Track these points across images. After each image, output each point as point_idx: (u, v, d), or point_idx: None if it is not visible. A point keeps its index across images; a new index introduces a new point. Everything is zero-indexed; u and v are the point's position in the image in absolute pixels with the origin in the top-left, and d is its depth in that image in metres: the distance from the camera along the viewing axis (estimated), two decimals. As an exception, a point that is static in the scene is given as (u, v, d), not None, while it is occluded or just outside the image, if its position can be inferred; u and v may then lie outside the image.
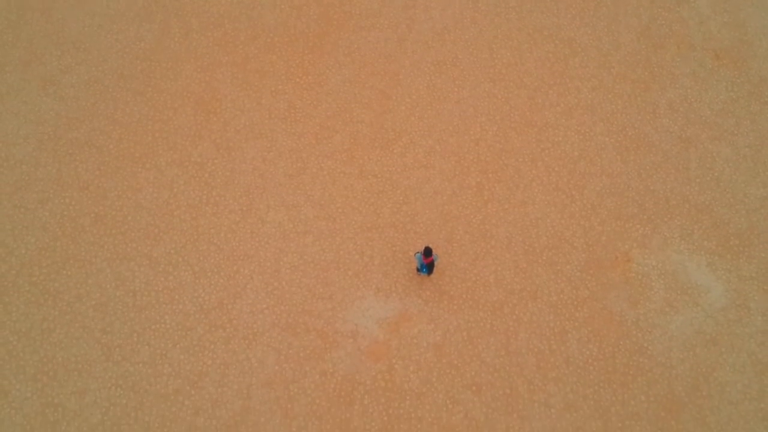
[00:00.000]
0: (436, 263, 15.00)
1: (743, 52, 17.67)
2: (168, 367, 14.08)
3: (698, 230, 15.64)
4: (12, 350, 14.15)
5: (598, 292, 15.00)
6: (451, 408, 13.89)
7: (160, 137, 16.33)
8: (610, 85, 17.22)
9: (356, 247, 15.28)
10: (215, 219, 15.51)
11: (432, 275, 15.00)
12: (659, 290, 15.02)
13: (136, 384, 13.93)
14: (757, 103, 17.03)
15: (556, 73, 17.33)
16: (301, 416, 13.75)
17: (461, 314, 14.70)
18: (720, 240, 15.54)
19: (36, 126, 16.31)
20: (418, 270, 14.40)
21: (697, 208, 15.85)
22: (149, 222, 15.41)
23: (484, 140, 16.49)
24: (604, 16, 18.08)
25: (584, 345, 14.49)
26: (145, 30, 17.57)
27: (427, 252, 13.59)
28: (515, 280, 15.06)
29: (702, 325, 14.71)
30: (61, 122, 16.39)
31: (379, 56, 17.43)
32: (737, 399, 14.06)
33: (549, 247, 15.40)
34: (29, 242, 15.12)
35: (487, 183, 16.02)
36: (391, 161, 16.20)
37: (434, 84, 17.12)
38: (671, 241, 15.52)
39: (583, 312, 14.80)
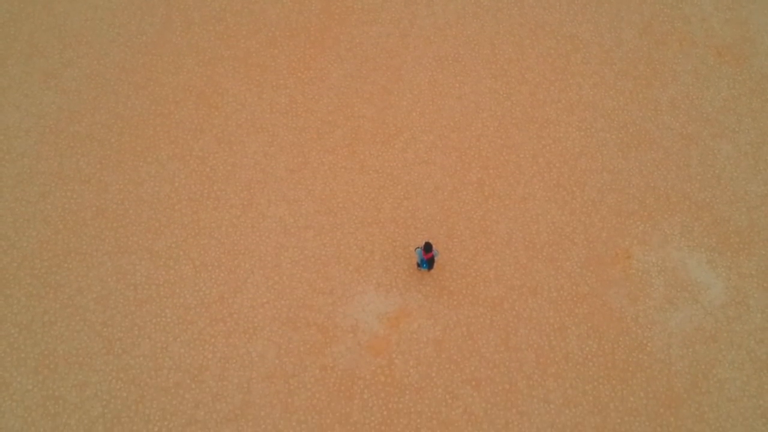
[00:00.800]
0: (436, 259, 15.02)
1: (745, 50, 17.65)
2: (169, 361, 14.13)
3: (699, 227, 15.65)
4: (13, 343, 14.20)
5: (598, 289, 15.02)
6: (450, 403, 13.93)
7: (161, 131, 16.34)
8: (612, 82, 17.21)
9: (357, 242, 15.31)
10: (216, 213, 15.53)
11: (432, 271, 15.02)
12: (659, 287, 15.04)
13: (136, 377, 13.98)
14: (758, 101, 17.02)
15: (557, 70, 17.32)
16: (301, 410, 13.79)
17: (461, 310, 14.73)
18: (720, 237, 15.55)
19: (38, 119, 16.32)
20: (418, 265, 14.42)
21: (697, 205, 15.86)
22: (150, 216, 15.44)
23: (485, 136, 16.50)
24: (606, 13, 18.05)
25: (584, 341, 14.52)
26: (146, 24, 17.56)
27: (428, 247, 13.61)
28: (515, 275, 15.08)
29: (701, 322, 14.74)
30: (62, 115, 16.39)
31: (380, 51, 17.42)
32: (736, 396, 14.10)
33: (549, 243, 15.42)
34: (31, 235, 15.15)
35: (488, 179, 16.03)
36: (392, 156, 16.21)
37: (436, 79, 17.11)
38: (671, 237, 15.54)
39: (582, 308, 14.82)
